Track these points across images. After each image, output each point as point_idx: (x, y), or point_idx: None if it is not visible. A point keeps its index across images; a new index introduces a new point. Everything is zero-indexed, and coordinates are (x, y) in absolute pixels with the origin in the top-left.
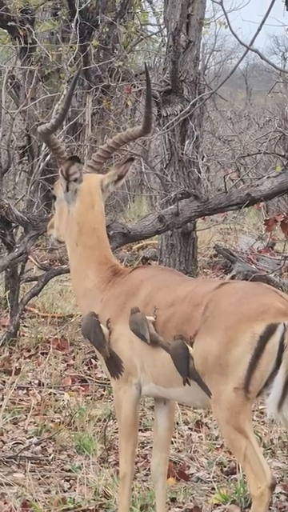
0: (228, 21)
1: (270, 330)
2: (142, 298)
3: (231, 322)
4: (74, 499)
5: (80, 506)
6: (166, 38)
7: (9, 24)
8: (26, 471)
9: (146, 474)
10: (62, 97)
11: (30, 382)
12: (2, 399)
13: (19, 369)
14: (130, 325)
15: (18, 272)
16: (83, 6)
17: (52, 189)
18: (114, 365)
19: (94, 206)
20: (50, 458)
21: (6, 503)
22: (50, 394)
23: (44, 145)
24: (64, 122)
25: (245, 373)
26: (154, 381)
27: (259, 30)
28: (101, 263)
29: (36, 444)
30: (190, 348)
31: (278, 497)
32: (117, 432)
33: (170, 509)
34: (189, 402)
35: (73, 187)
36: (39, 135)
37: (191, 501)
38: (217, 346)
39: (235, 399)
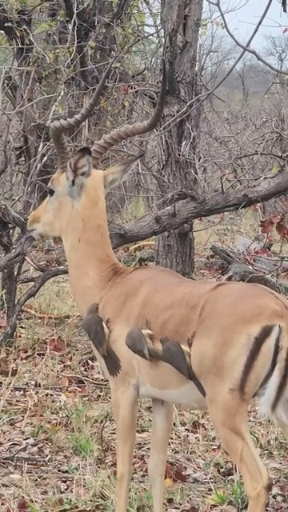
0: (225, 22)
1: (266, 332)
2: (141, 298)
3: (227, 324)
4: (70, 500)
5: (77, 507)
6: (163, 39)
7: (5, 25)
8: (22, 472)
9: (143, 475)
10: (59, 98)
11: (27, 383)
12: None
13: (16, 370)
14: (126, 339)
15: (15, 273)
16: (80, 7)
17: (48, 184)
18: (113, 363)
19: (99, 202)
20: (47, 458)
21: (2, 504)
22: (46, 395)
23: (41, 146)
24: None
25: (240, 374)
26: (150, 382)
27: (256, 30)
28: (102, 261)
29: (33, 445)
30: (182, 345)
31: (274, 497)
32: (114, 433)
33: (167, 510)
34: (184, 404)
35: (79, 181)
36: (51, 131)
37: (188, 502)
38: (212, 347)
39: (231, 400)
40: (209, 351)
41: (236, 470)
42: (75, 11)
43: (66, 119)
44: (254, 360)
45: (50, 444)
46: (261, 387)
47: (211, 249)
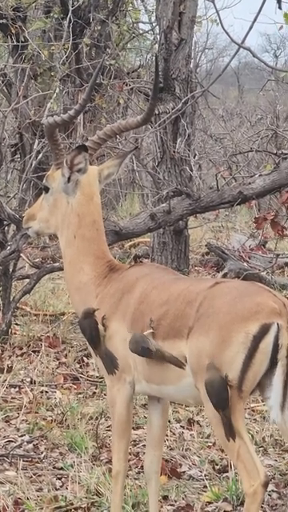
0: (220, 19)
1: (264, 330)
2: (137, 295)
3: (225, 322)
4: (65, 497)
5: (72, 504)
6: (158, 36)
7: (1, 22)
8: (17, 469)
9: (138, 472)
10: (54, 95)
11: (22, 380)
12: None
13: (11, 367)
14: (130, 345)
15: (10, 270)
16: (76, 4)
17: (43, 181)
18: (110, 361)
19: (94, 198)
20: (42, 455)
21: None
22: (41, 392)
23: (36, 143)
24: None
25: (238, 372)
26: (146, 379)
27: (251, 27)
28: (98, 257)
29: (28, 442)
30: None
31: (269, 495)
32: (109, 430)
33: (162, 507)
34: (181, 400)
35: (75, 178)
36: (45, 127)
37: (183, 498)
38: (210, 344)
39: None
40: (206, 349)
41: (231, 467)
42: (70, 8)
43: (59, 115)
44: (252, 358)
45: (45, 441)
46: (259, 386)
47: (206, 246)
